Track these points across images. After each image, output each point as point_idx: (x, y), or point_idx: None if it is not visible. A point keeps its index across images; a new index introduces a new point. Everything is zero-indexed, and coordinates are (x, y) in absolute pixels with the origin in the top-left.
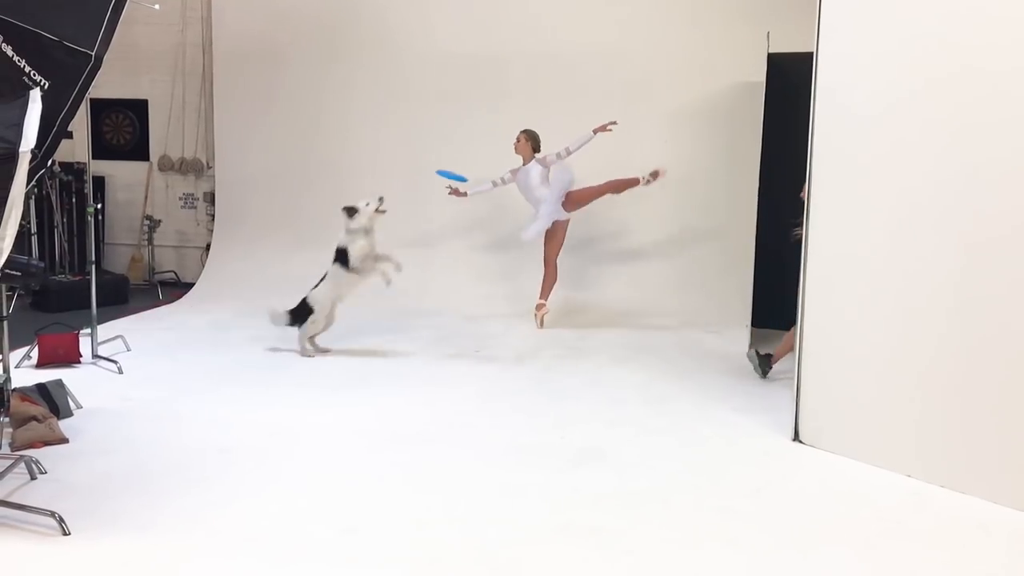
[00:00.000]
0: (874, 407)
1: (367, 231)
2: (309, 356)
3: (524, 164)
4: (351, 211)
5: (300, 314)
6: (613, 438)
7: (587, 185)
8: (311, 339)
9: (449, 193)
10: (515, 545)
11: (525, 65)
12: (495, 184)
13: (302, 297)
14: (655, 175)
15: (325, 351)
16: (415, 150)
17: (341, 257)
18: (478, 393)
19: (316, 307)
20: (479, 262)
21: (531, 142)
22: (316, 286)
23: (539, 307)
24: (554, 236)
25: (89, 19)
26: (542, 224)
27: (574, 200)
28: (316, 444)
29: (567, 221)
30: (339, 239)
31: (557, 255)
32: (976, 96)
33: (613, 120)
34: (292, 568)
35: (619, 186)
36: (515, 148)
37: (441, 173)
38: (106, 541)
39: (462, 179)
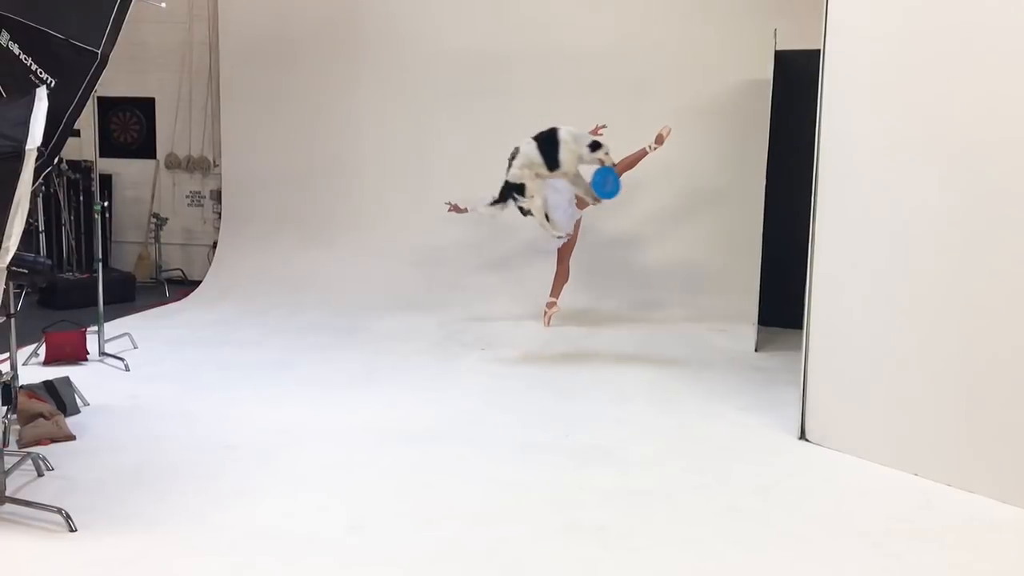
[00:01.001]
0: (881, 405)
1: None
2: (560, 236)
3: None
4: (596, 145)
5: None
6: (619, 436)
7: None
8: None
9: (449, 210)
10: (521, 543)
11: (531, 63)
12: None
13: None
14: (659, 139)
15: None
16: (421, 148)
17: (544, 142)
18: (484, 391)
19: (524, 180)
20: (486, 259)
21: None
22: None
23: (549, 305)
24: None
25: (95, 17)
26: (565, 230)
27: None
28: (322, 441)
29: (580, 219)
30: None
31: (571, 253)
32: (985, 95)
33: (604, 124)
34: (298, 565)
35: (629, 163)
36: None
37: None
38: (112, 537)
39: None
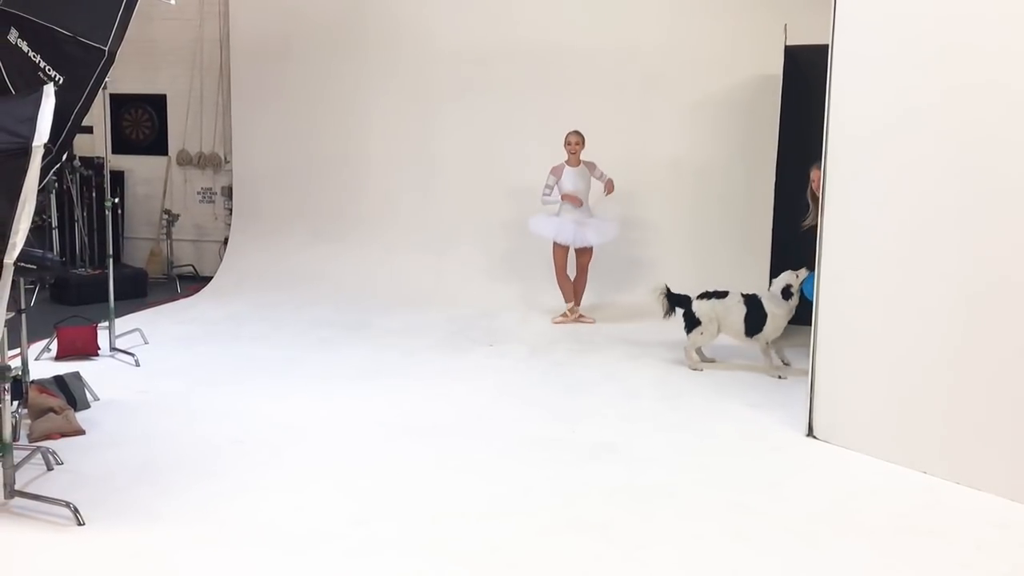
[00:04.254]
0: (889, 403)
1: (790, 310)
2: (696, 369)
3: (569, 165)
4: (788, 292)
5: (689, 320)
6: (626, 432)
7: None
8: (698, 349)
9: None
10: (526, 538)
11: (542, 59)
12: (550, 190)
13: (689, 299)
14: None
15: (710, 361)
16: (429, 144)
17: (753, 308)
18: (492, 387)
19: (704, 320)
20: (493, 256)
21: (583, 146)
22: (709, 297)
23: (573, 311)
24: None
25: (102, 15)
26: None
27: (580, 255)
28: (329, 436)
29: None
30: (768, 292)
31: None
32: (995, 90)
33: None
34: (303, 559)
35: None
36: (573, 149)
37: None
38: (119, 531)
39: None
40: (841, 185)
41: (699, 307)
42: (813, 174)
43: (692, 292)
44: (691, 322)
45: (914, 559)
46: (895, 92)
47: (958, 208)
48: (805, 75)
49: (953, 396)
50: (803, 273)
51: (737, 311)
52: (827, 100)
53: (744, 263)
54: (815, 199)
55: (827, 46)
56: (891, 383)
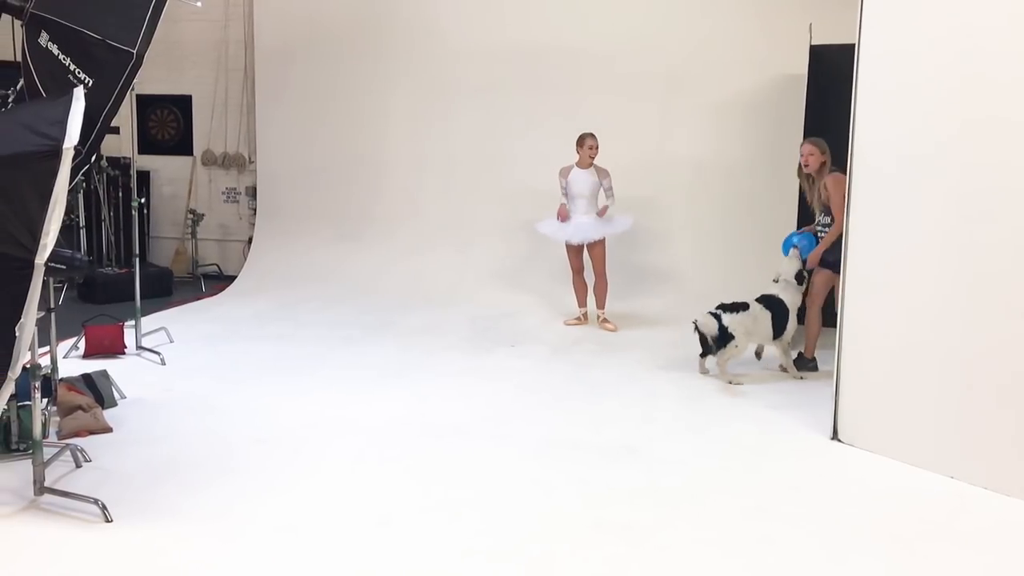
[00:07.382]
0: (915, 406)
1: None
2: (737, 383)
3: (579, 167)
4: (801, 276)
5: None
6: (648, 434)
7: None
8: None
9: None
10: (547, 540)
11: (564, 58)
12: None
13: (718, 316)
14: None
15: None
16: (452, 144)
17: (776, 308)
18: (514, 387)
19: (738, 334)
20: (515, 255)
21: (597, 149)
22: (736, 310)
23: (605, 321)
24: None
25: (130, 17)
26: (576, 239)
27: (594, 250)
28: (352, 435)
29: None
30: (778, 285)
31: (604, 265)
32: (1018, 114)
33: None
34: (325, 558)
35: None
36: (590, 153)
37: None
38: (146, 528)
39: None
40: (868, 185)
41: (732, 321)
42: (803, 149)
43: (712, 298)
44: (723, 338)
45: (941, 565)
46: (922, 90)
47: (987, 209)
48: (830, 75)
49: (980, 400)
50: (796, 255)
51: (763, 318)
52: (853, 99)
53: (769, 264)
54: (804, 176)
55: (853, 46)
56: (917, 386)
